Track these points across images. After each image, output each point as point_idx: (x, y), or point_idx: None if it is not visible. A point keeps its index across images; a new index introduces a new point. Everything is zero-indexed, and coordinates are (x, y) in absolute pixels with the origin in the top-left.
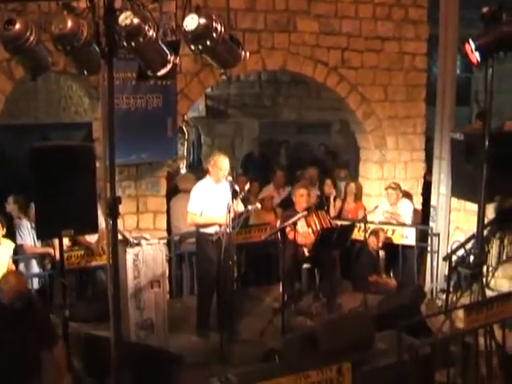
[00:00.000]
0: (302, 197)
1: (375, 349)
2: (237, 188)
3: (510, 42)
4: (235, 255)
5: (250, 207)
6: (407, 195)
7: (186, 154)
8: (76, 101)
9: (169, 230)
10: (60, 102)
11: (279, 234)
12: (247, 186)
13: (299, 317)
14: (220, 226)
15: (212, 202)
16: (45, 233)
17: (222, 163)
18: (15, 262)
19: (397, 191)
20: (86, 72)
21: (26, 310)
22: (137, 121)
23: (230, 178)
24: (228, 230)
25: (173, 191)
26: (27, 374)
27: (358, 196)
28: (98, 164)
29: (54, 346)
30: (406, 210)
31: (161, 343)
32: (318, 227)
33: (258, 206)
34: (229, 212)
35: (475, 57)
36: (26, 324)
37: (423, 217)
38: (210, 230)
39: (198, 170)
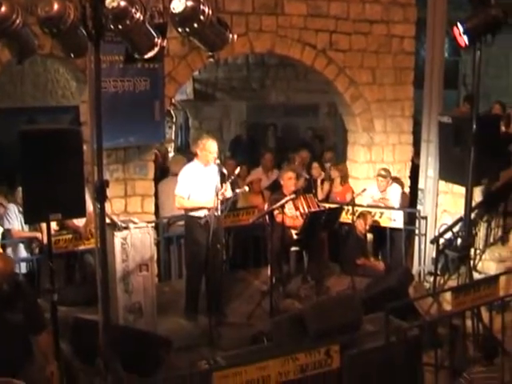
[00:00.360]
0: (290, 180)
1: (363, 331)
2: (225, 171)
3: (497, 25)
4: (223, 238)
5: (238, 190)
6: (396, 180)
7: (173, 137)
8: (63, 84)
9: (157, 213)
10: (47, 86)
11: (267, 217)
12: (237, 170)
13: (287, 299)
14: (208, 209)
15: (200, 185)
16: (32, 217)
17: (210, 146)
18: (3, 246)
19: (387, 179)
20: (72, 55)
21: (14, 293)
22: (124, 104)
23: (218, 161)
24: (216, 214)
25: (161, 174)
26: (18, 360)
27: (345, 178)
28: (85, 147)
29: (40, 333)
30: (395, 195)
31: (149, 327)
32: (306, 210)
33: (246, 189)
34: (217, 195)
35: (463, 40)
36: (13, 308)
37: (411, 200)
38: (199, 214)
39: (186, 153)
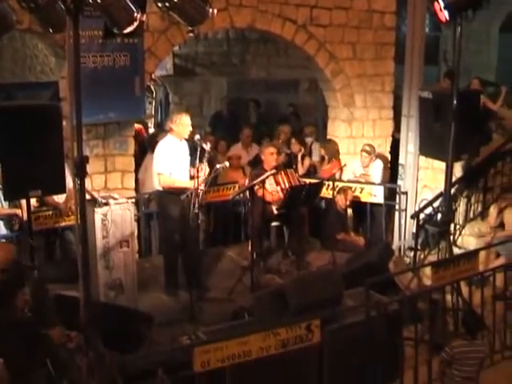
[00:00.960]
0: (271, 155)
1: (344, 306)
2: (205, 146)
3: (478, 0)
4: (203, 214)
5: (218, 166)
6: (380, 156)
7: (153, 112)
8: (42, 60)
9: (137, 189)
10: (25, 61)
11: (248, 193)
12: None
13: (268, 275)
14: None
15: (178, 160)
16: (12, 194)
17: (185, 120)
18: None
19: (371, 155)
20: (51, 30)
21: (18, 282)
22: (104, 80)
23: (198, 137)
24: (198, 189)
25: (142, 149)
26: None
27: (335, 156)
28: (64, 123)
29: (52, 328)
30: (377, 170)
31: (130, 303)
32: (287, 185)
33: (227, 164)
34: (197, 171)
35: (444, 15)
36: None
37: (391, 175)
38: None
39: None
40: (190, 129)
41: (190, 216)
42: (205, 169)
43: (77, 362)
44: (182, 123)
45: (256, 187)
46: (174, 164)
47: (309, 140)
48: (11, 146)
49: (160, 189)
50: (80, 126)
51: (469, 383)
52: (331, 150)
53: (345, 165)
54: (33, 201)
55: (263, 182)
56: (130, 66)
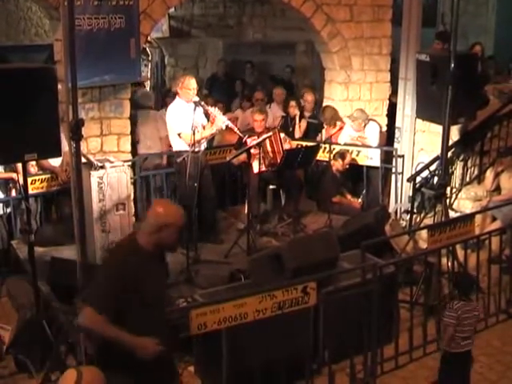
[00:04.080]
0: (256, 122)
1: (340, 268)
2: (208, 107)
3: None
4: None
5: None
6: (372, 120)
7: (149, 75)
8: (36, 22)
9: (133, 151)
10: (19, 24)
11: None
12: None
13: (264, 237)
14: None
15: (189, 121)
16: (7, 157)
17: (189, 83)
18: None
19: (359, 121)
20: None
21: None
22: (99, 42)
23: (196, 98)
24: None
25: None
26: None
27: (338, 119)
28: (60, 86)
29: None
30: (373, 133)
31: None
32: (276, 148)
33: (224, 126)
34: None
35: None
36: None
37: (388, 138)
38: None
39: (163, 91)
40: (195, 92)
41: (205, 174)
42: (215, 118)
43: (74, 325)
44: (186, 86)
45: (252, 150)
46: (186, 124)
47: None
48: (5, 109)
49: (177, 149)
50: (75, 89)
51: (467, 342)
52: (332, 114)
53: (342, 127)
54: (33, 167)
55: (260, 144)
56: (126, 28)
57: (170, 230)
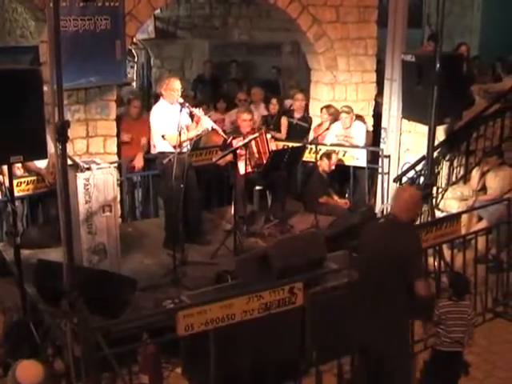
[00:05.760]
0: (244, 121)
1: (327, 269)
2: (193, 109)
3: None
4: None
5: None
6: (359, 117)
7: (135, 76)
8: (22, 23)
9: (119, 153)
10: (5, 26)
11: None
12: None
13: (251, 238)
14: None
15: (173, 123)
16: None
17: (174, 84)
18: None
19: (350, 115)
20: None
21: None
22: (85, 43)
23: (181, 100)
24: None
25: None
26: None
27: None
28: (45, 88)
29: None
30: (360, 132)
31: (113, 268)
32: (255, 150)
33: (209, 127)
34: (179, 134)
35: None
36: None
37: (374, 138)
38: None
39: (150, 93)
40: (179, 94)
41: (190, 175)
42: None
43: (61, 327)
44: (171, 88)
45: (238, 151)
46: (171, 126)
47: (289, 102)
48: None
49: (162, 151)
50: (61, 91)
51: (457, 347)
52: (336, 114)
53: (328, 128)
54: (19, 170)
55: (246, 145)
56: (111, 29)
57: None
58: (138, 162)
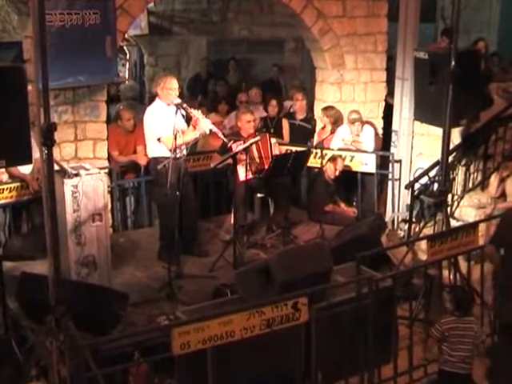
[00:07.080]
0: (248, 123)
1: (333, 282)
2: (191, 110)
3: None
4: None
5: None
6: (368, 122)
7: (127, 75)
8: (3, 17)
9: (110, 158)
10: None
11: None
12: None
13: (252, 249)
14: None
15: (170, 124)
16: None
17: (171, 83)
18: None
19: (360, 120)
20: None
21: None
22: (73, 39)
23: (178, 100)
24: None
25: None
26: None
27: (338, 123)
28: (30, 87)
29: None
30: (368, 136)
31: (104, 281)
32: (256, 154)
33: (207, 130)
34: (175, 137)
35: None
36: None
37: (384, 142)
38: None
39: (142, 93)
40: (177, 93)
41: (186, 182)
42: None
43: (46, 346)
44: (167, 87)
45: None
46: (167, 128)
47: (288, 103)
48: None
49: (156, 156)
50: (47, 91)
51: (462, 368)
52: (337, 115)
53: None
54: (5, 176)
55: (246, 149)
56: (101, 24)
57: None
58: (141, 159)
